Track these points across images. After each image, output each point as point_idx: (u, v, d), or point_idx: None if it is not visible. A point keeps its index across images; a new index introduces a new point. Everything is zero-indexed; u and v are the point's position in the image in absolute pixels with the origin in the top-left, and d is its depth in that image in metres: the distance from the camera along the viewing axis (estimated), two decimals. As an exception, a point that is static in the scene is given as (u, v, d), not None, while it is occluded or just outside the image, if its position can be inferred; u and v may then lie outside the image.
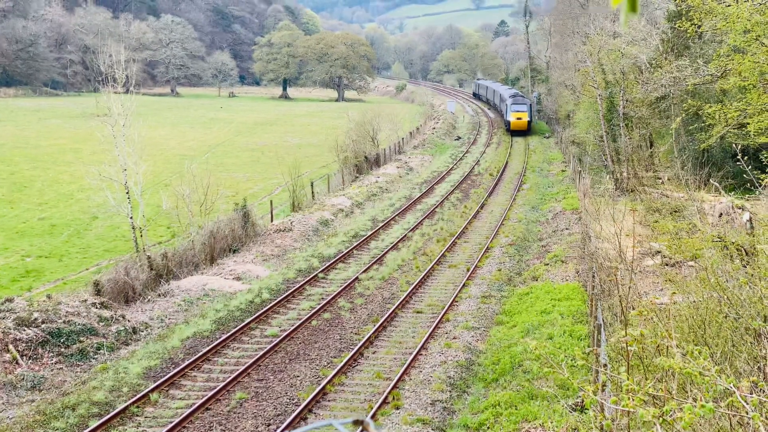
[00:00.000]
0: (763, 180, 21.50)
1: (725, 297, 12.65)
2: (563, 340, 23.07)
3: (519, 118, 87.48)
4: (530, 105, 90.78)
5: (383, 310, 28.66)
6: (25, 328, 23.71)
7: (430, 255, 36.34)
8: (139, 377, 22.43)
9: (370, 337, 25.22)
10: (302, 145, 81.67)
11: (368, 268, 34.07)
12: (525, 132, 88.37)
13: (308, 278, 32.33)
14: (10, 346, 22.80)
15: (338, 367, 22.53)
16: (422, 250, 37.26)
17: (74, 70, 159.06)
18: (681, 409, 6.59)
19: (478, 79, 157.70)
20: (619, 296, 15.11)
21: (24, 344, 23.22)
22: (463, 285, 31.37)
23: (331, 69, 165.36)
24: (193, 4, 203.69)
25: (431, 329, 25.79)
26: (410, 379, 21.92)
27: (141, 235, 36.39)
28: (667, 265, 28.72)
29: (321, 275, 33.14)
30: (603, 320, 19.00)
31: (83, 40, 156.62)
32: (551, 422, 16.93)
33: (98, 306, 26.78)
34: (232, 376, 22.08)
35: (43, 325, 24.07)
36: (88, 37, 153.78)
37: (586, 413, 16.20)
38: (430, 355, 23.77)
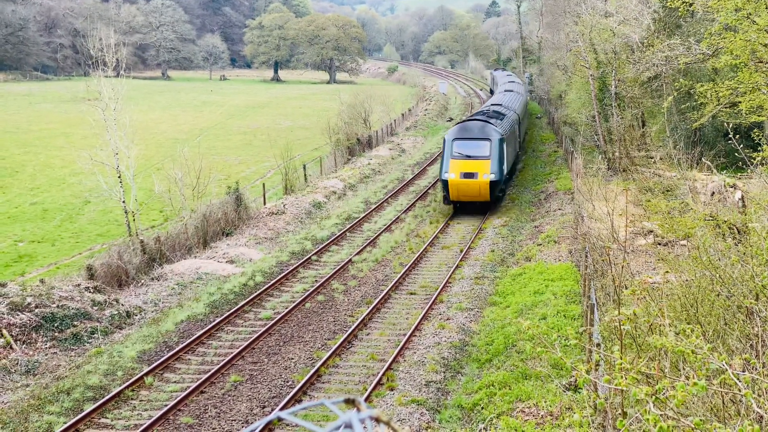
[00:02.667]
0: (754, 158, 21.54)
1: (717, 275, 12.68)
2: (556, 320, 23.12)
3: (468, 175, 39.75)
4: (501, 140, 40.84)
5: (377, 291, 28.69)
6: (19, 313, 23.69)
7: (423, 236, 36.35)
8: (133, 361, 22.45)
9: (363, 318, 25.26)
10: (294, 127, 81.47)
11: (361, 250, 34.07)
12: (486, 205, 41.31)
13: (301, 261, 32.33)
14: (4, 331, 22.78)
15: (332, 349, 22.57)
16: (415, 232, 37.27)
17: (64, 54, 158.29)
18: (674, 387, 6.62)
19: (494, 70, 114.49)
20: (612, 276, 15.16)
21: (18, 329, 23.21)
22: (457, 266, 31.40)
23: (322, 51, 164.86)
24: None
25: (425, 311, 25.83)
26: (404, 361, 21.97)
27: (133, 219, 36.34)
28: (659, 244, 28.79)
29: (314, 258, 33.14)
30: (596, 300, 19.05)
31: (73, 23, 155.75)
32: (545, 402, 17.00)
33: (92, 290, 26.76)
34: (227, 359, 22.10)
35: (36, 310, 24.05)
36: (78, 21, 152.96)
37: (579, 392, 16.27)
38: (424, 337, 23.82)
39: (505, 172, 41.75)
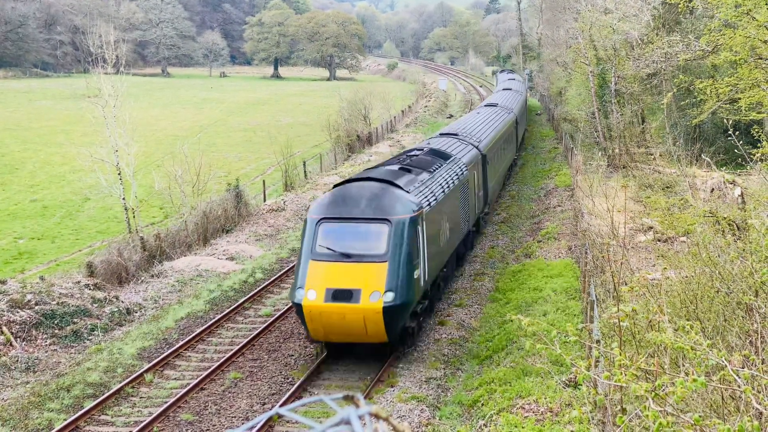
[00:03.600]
0: (754, 155, 21.55)
1: (717, 272, 12.70)
2: (556, 316, 23.12)
3: (342, 295, 20.33)
4: (413, 221, 21.26)
5: (377, 288, 28.59)
6: (19, 310, 23.71)
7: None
8: (133, 358, 22.46)
9: (363, 315, 25.13)
10: (294, 124, 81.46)
11: (361, 246, 33.94)
12: (382, 346, 21.52)
13: (301, 258, 32.25)
14: (4, 328, 22.80)
15: (332, 346, 22.46)
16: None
17: (64, 51, 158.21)
18: (673, 383, 6.63)
19: (500, 72, 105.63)
20: (612, 272, 15.17)
21: (18, 326, 23.22)
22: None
23: (322, 48, 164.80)
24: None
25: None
26: (404, 357, 21.97)
27: (133, 216, 36.35)
28: (659, 240, 28.81)
29: (314, 254, 32.99)
30: (596, 296, 19.05)
31: (72, 20, 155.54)
32: (545, 398, 17.01)
33: (92, 287, 26.77)
34: (227, 356, 22.11)
35: (36, 307, 24.06)
36: (78, 18, 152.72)
37: (579, 389, 16.28)
38: (425, 333, 23.81)
39: (425, 280, 22.31)
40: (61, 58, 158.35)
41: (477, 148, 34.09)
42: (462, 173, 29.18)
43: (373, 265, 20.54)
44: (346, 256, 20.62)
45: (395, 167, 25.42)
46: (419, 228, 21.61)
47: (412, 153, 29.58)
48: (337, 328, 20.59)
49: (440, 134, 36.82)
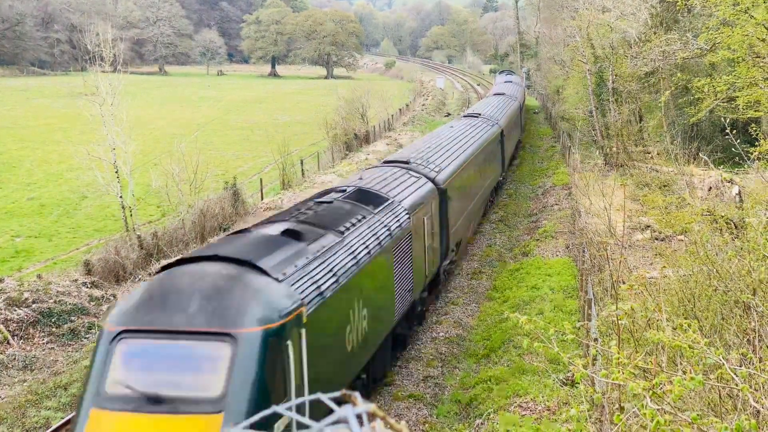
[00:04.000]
0: (752, 153, 21.57)
1: (714, 270, 12.71)
2: (554, 315, 23.11)
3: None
4: (279, 333, 11.57)
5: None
6: (16, 308, 23.69)
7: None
8: (130, 356, 22.40)
9: (361, 314, 24.93)
10: (291, 122, 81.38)
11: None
12: None
13: (299, 256, 32.10)
14: (1, 327, 22.79)
15: (330, 344, 22.14)
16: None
17: (61, 49, 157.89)
18: (671, 381, 6.63)
19: (499, 73, 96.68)
20: (609, 271, 15.18)
21: (15, 324, 23.21)
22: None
23: (319, 46, 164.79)
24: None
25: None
26: (401, 356, 21.97)
27: (131, 215, 36.31)
28: (656, 239, 28.84)
29: (312, 253, 32.78)
30: (593, 295, 19.07)
31: (70, 18, 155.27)
32: (542, 396, 17.01)
33: (89, 285, 26.76)
34: (224, 354, 21.92)
35: (33, 305, 24.04)
36: (75, 16, 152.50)
37: (576, 387, 16.29)
38: (421, 332, 23.81)
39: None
40: (59, 56, 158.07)
41: (433, 181, 25.16)
42: (401, 224, 20.22)
43: (197, 418, 10.85)
44: (155, 402, 10.88)
45: (277, 230, 15.32)
46: (292, 343, 12.15)
47: (325, 199, 19.04)
48: None
49: (385, 162, 27.59)
